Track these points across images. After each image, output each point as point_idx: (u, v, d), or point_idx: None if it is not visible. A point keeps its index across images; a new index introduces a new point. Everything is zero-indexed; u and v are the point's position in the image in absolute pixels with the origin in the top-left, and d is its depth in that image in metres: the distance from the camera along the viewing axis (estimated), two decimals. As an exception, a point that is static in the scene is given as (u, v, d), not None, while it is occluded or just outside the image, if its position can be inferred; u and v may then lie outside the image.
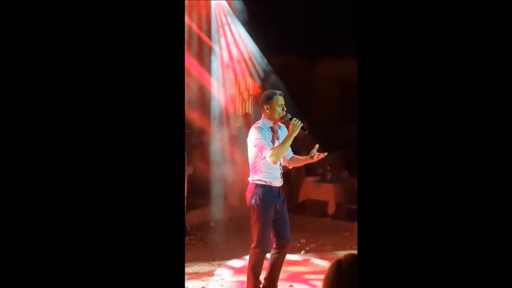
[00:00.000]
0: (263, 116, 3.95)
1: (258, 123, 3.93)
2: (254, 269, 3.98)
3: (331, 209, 7.52)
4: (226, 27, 7.71)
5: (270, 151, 3.75)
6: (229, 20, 7.69)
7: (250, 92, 8.19)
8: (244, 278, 4.14)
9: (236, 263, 5.13)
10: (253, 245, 3.94)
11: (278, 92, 3.95)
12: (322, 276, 1.97)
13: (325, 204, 7.57)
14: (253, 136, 3.86)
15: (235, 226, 6.39)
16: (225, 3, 7.63)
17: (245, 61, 7.93)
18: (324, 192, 7.52)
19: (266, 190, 3.87)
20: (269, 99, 3.90)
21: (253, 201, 3.86)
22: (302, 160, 4.08)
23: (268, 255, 4.05)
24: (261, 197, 3.84)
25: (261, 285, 4.05)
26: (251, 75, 8.05)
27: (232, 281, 4.48)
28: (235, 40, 7.80)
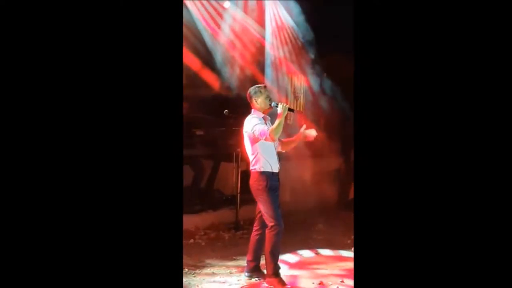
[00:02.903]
0: (253, 110, 4.32)
1: (251, 115, 4.30)
2: (273, 253, 4.24)
3: (382, 206, 7.52)
4: (280, 25, 7.79)
5: (270, 130, 4.10)
6: (283, 19, 7.77)
7: (302, 90, 8.26)
8: (298, 273, 4.26)
9: (289, 257, 5.23)
10: (268, 229, 4.22)
11: (262, 85, 4.44)
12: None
13: (376, 201, 7.57)
14: (252, 123, 4.22)
15: (287, 221, 6.47)
16: (279, 3, 7.72)
17: (298, 60, 8.00)
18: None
19: (269, 175, 4.21)
20: (257, 93, 4.30)
21: (261, 187, 4.19)
22: (293, 141, 4.45)
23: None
24: (268, 182, 4.18)
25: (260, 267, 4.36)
26: (304, 73, 8.11)
27: (286, 276, 4.59)
28: (289, 38, 7.88)
